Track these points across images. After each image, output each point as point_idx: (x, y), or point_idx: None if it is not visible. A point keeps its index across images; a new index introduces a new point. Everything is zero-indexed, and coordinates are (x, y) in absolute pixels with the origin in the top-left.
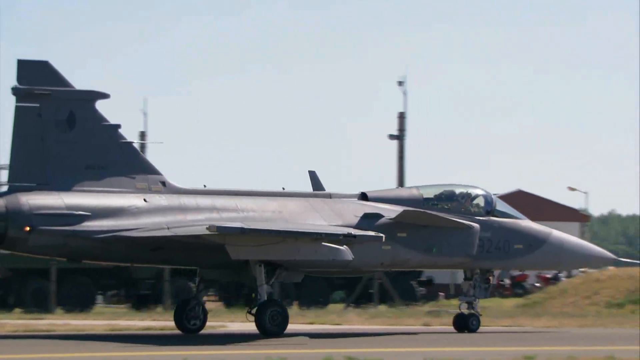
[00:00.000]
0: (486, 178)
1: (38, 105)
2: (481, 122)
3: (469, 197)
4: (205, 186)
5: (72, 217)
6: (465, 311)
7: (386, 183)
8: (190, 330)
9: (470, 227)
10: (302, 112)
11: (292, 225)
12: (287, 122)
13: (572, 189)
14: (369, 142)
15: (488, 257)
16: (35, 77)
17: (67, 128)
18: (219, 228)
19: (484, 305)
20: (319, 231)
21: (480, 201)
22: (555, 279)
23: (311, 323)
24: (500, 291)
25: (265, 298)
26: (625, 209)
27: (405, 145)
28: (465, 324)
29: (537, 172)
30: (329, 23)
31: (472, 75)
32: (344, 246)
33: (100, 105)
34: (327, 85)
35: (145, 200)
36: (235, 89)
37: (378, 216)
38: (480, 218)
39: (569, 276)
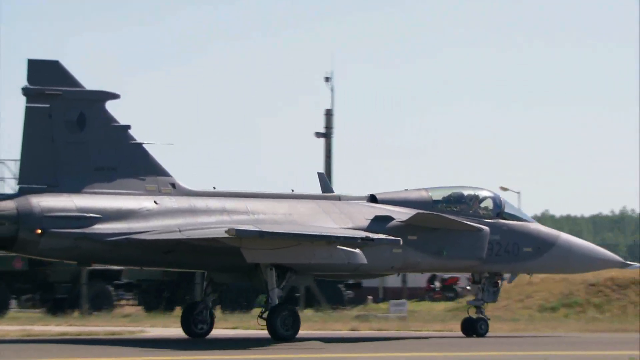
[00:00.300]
0: (415, 176)
1: (48, 105)
2: (410, 118)
3: (477, 199)
4: (214, 188)
5: (83, 219)
6: (474, 315)
7: (314, 182)
8: (197, 334)
9: (480, 230)
10: (230, 109)
11: (305, 228)
12: (209, 120)
13: (505, 189)
14: (296, 140)
15: (497, 260)
16: (46, 77)
17: (77, 129)
18: (238, 231)
19: (414, 309)
20: (337, 234)
21: (489, 203)
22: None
23: (234, 328)
24: (430, 295)
25: (277, 302)
26: (558, 210)
27: (333, 142)
28: (474, 328)
29: (468, 171)
30: (254, 17)
31: (401, 71)
32: (358, 249)
33: (109, 106)
34: (251, 81)
35: (155, 202)
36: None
37: (389, 219)
38: (490, 220)
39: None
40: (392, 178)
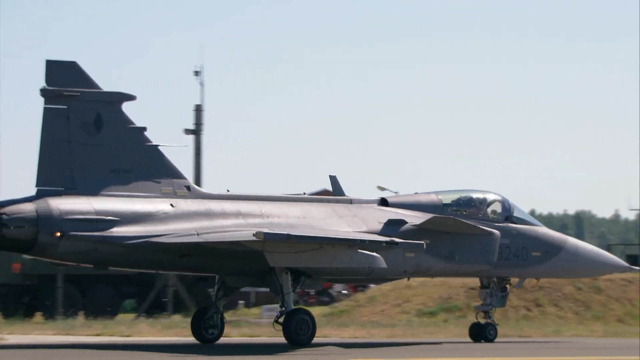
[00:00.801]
0: (290, 175)
1: (66, 107)
2: (285, 114)
3: (486, 203)
4: (228, 191)
5: (101, 222)
6: (482, 320)
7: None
8: (207, 339)
9: (491, 234)
10: None
11: (330, 232)
12: None
13: (382, 189)
14: (164, 137)
15: (506, 264)
16: (64, 78)
17: (94, 131)
18: (266, 234)
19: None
20: (362, 238)
21: (498, 207)
22: (363, 287)
23: (98, 335)
24: (305, 299)
25: (292, 306)
26: None
27: (203, 140)
28: (483, 333)
29: (346, 170)
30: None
31: (272, 64)
32: (378, 254)
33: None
34: (114, 74)
35: (172, 205)
36: None
37: (402, 222)
38: (499, 224)
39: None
40: (265, 176)
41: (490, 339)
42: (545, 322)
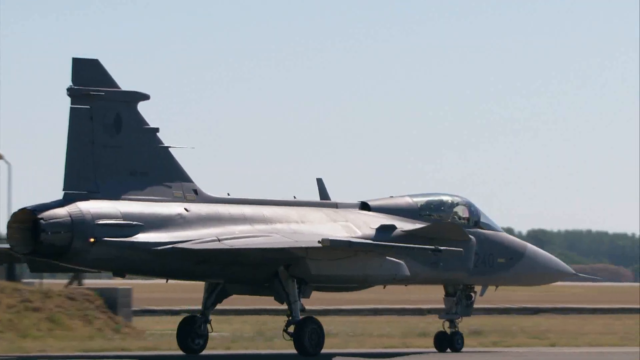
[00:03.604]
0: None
1: (89, 107)
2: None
3: (455, 207)
4: (228, 194)
5: (128, 227)
6: (447, 330)
7: None
8: (193, 350)
9: (469, 240)
10: None
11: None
12: None
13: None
14: None
15: (476, 271)
16: (88, 76)
17: (114, 131)
18: (333, 242)
19: None
20: (412, 245)
21: (466, 211)
22: None
23: None
24: None
25: (299, 316)
26: None
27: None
28: (450, 342)
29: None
30: None
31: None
32: (402, 261)
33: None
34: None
35: (186, 209)
36: None
37: (393, 227)
38: (469, 230)
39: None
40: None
41: (457, 349)
42: None
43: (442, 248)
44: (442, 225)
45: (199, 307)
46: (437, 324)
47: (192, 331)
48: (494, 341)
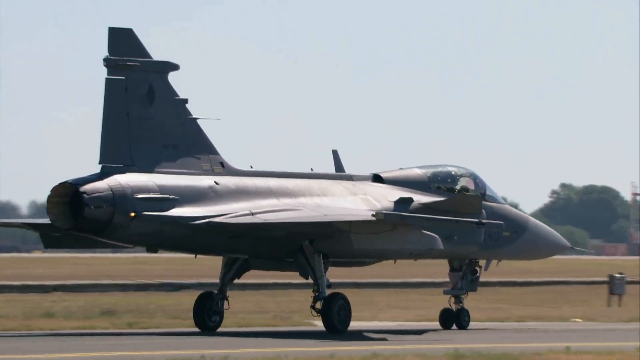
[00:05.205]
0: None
1: (124, 78)
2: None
3: (462, 178)
4: (251, 167)
5: (166, 201)
6: (453, 306)
7: None
8: (209, 327)
9: (481, 214)
10: None
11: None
12: None
13: None
14: None
15: (484, 246)
16: (124, 46)
17: (147, 103)
18: (387, 215)
19: None
20: (458, 219)
21: (472, 183)
22: None
23: None
24: None
25: (326, 292)
26: None
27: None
28: (457, 319)
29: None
30: None
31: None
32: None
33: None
34: None
35: (216, 182)
36: None
37: (410, 200)
38: None
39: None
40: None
41: (464, 326)
42: None
43: (484, 221)
44: (464, 197)
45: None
46: None
47: (209, 308)
48: (129, 322)
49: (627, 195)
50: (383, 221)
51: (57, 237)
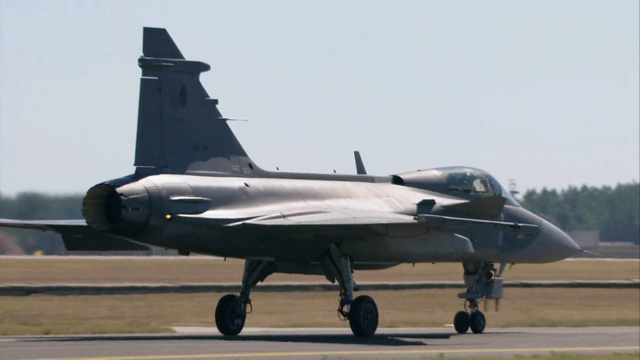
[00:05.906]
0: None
1: (157, 78)
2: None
3: (477, 180)
4: (277, 168)
5: (199, 203)
6: (468, 309)
7: None
8: (231, 331)
9: (499, 216)
10: None
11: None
12: None
13: None
14: None
15: (504, 248)
16: (158, 46)
17: (180, 104)
18: (429, 218)
19: None
20: (493, 222)
21: (488, 185)
22: None
23: None
24: None
25: (353, 295)
26: None
27: None
28: (472, 323)
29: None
30: None
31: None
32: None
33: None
34: None
35: (246, 184)
36: None
37: (432, 202)
38: None
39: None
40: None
41: (479, 330)
42: None
43: (520, 225)
44: (488, 200)
45: None
46: None
47: (231, 311)
48: None
49: None
50: (425, 224)
51: (80, 238)
